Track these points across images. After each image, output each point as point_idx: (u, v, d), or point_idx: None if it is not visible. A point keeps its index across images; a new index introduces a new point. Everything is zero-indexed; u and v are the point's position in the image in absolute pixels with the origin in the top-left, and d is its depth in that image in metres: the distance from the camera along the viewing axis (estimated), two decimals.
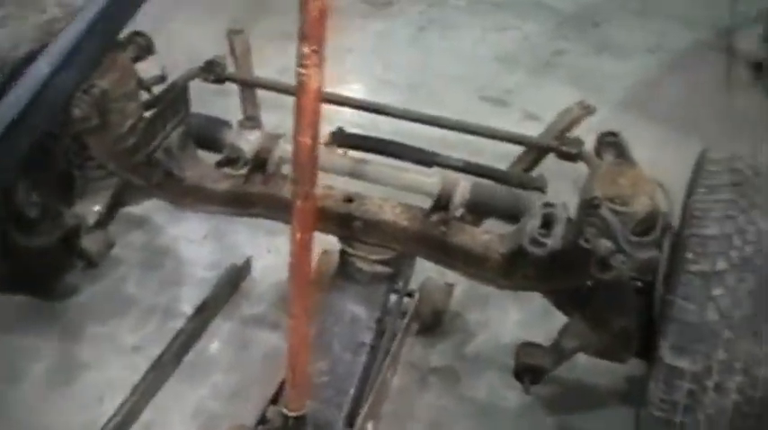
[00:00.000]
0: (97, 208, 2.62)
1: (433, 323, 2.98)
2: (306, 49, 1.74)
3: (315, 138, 1.85)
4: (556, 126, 2.72)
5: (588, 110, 2.72)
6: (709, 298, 1.99)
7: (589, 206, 2.16)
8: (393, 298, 2.73)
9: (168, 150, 2.57)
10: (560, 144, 2.65)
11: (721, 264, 2.01)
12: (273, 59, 3.37)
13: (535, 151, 2.72)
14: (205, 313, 2.95)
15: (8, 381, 2.71)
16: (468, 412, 2.75)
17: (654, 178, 2.30)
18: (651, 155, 3.84)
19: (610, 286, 2.18)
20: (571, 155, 2.63)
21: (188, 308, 2.99)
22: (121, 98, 2.48)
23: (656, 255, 2.18)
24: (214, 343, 2.90)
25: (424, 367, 2.88)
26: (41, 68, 2.28)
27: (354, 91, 4.08)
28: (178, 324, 2.92)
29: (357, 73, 4.39)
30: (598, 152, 2.45)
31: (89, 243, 2.57)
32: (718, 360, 1.99)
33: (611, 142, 2.44)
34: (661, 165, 3.76)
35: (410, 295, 2.92)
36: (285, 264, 3.10)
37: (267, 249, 3.20)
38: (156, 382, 2.73)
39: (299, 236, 1.95)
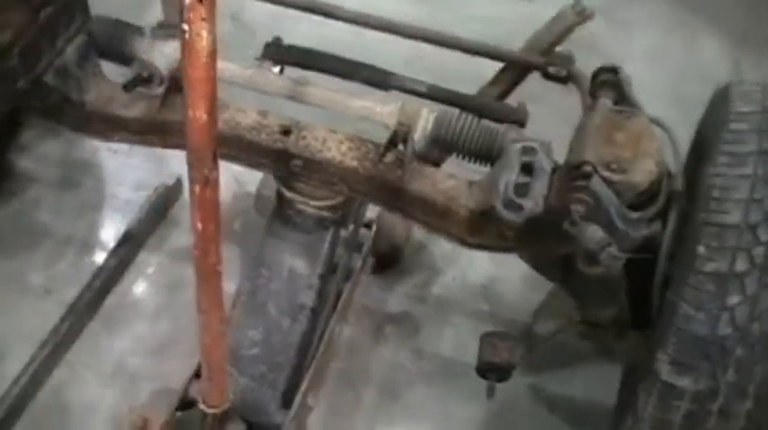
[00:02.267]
0: None
1: (393, 259, 2.58)
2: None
3: (212, 112, 1.38)
4: (543, 36, 2.21)
5: (585, 15, 2.20)
6: (723, 307, 1.58)
7: (577, 173, 1.71)
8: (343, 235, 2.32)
9: (62, 70, 2.08)
10: (547, 62, 2.16)
11: (741, 265, 1.58)
12: None
13: (515, 69, 2.22)
14: (129, 246, 2.54)
15: None
16: (427, 372, 2.39)
17: (659, 121, 1.84)
18: (651, 43, 3.37)
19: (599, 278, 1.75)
20: (560, 76, 2.15)
21: (109, 238, 2.58)
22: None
23: (658, 230, 1.75)
24: (139, 283, 2.51)
25: (380, 314, 2.50)
26: None
27: None
28: (98, 259, 2.52)
29: None
30: (592, 93, 1.96)
31: None
32: (726, 382, 1.60)
33: (608, 81, 1.94)
34: (663, 57, 3.33)
35: (367, 226, 2.50)
36: (226, 181, 2.71)
37: None
38: (70, 334, 2.36)
39: (200, 227, 1.51)
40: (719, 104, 1.86)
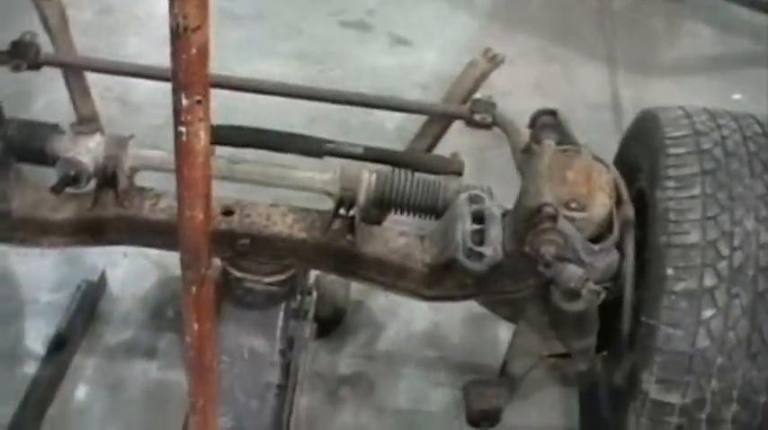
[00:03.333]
0: None
1: (335, 321, 2.57)
2: (185, 101, 1.23)
3: (207, 212, 1.36)
4: (460, 86, 2.28)
5: (496, 60, 2.28)
6: (698, 322, 1.67)
7: (540, 216, 1.76)
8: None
9: None
10: (471, 110, 2.22)
11: (709, 280, 1.68)
12: None
13: (440, 121, 2.28)
14: (62, 351, 2.41)
15: None
16: (391, 426, 2.39)
17: (600, 158, 1.93)
18: (537, 75, 3.54)
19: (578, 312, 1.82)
20: (485, 122, 2.21)
21: (38, 346, 2.44)
22: None
23: (616, 258, 1.84)
24: (80, 388, 2.39)
25: (333, 377, 2.48)
26: None
27: None
28: (29, 370, 2.38)
29: None
30: (535, 137, 2.03)
31: None
32: (711, 391, 1.69)
33: (549, 123, 2.02)
34: (550, 87, 3.49)
35: (304, 292, 2.48)
36: (148, 269, 2.63)
37: (123, 253, 2.65)
38: None
39: (196, 327, 1.48)
40: (649, 130, 1.97)
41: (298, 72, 3.17)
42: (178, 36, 1.18)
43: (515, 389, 2.02)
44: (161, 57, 3.24)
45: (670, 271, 1.70)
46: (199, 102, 1.23)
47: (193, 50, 1.19)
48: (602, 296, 1.73)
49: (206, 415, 1.62)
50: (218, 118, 2.20)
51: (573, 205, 1.78)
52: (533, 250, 1.76)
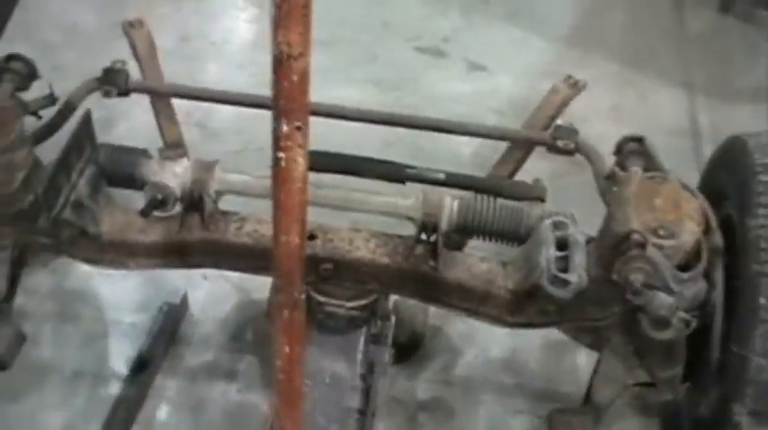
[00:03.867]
0: None
1: (413, 346, 2.57)
2: (285, 127, 1.25)
3: (302, 236, 1.37)
4: (542, 112, 2.28)
5: (578, 87, 2.28)
6: None
7: (628, 243, 1.75)
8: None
9: (78, 204, 2.03)
10: (553, 136, 2.21)
11: None
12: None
13: (522, 148, 2.27)
14: (144, 371, 2.45)
15: None
16: None
17: (688, 187, 1.91)
18: (613, 100, 3.51)
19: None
20: (568, 149, 2.20)
21: (121, 366, 2.48)
22: (5, 150, 1.93)
23: (704, 287, 1.81)
24: (161, 408, 2.42)
25: (411, 403, 2.47)
26: None
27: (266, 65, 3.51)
28: (113, 390, 2.42)
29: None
30: (621, 164, 2.02)
31: None
32: None
33: (635, 150, 2.01)
34: (627, 113, 3.45)
35: (383, 317, 2.49)
36: (228, 291, 2.66)
37: (203, 275, 2.69)
38: None
39: (287, 350, 1.49)
40: (737, 156, 1.94)
41: (374, 98, 3.18)
42: (281, 63, 1.20)
43: (601, 418, 1.99)
44: (238, 82, 3.33)
45: (763, 300, 1.67)
46: (298, 128, 1.25)
47: (295, 77, 1.21)
48: (693, 325, 1.71)
49: None
50: None
51: (661, 232, 1.76)
52: (621, 277, 1.75)
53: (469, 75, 3.53)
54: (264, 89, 2.26)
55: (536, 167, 2.37)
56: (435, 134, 2.46)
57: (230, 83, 2.83)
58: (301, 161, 1.28)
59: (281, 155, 1.27)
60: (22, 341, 2.08)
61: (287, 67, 1.20)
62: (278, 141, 1.26)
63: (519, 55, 3.66)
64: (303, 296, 1.45)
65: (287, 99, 1.22)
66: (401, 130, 2.85)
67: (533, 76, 3.42)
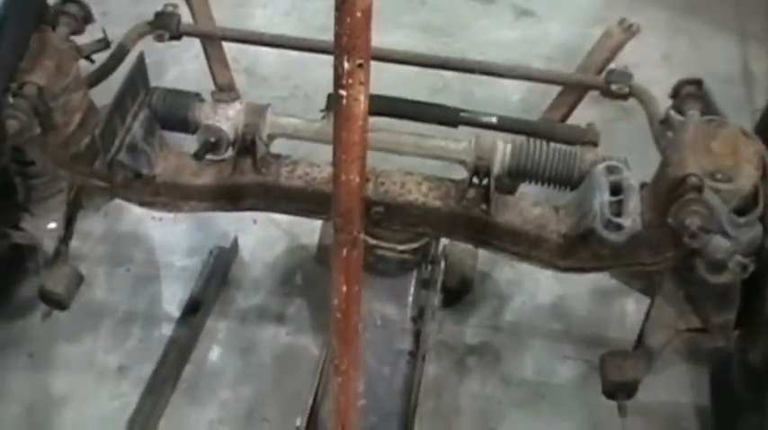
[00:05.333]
0: (52, 225, 2.10)
1: (462, 291, 2.58)
2: (347, 65, 1.24)
3: (362, 174, 1.37)
4: (595, 56, 2.24)
5: (632, 30, 2.23)
6: None
7: (685, 187, 1.73)
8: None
9: (132, 147, 2.04)
10: (607, 80, 2.18)
11: None
12: None
13: (574, 91, 2.25)
14: (195, 314, 2.49)
15: None
16: (517, 399, 2.39)
17: (747, 132, 1.88)
18: (664, 48, 3.45)
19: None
20: (622, 93, 2.17)
21: (173, 309, 2.53)
22: (63, 91, 1.95)
23: (760, 232, 1.79)
24: (213, 350, 2.46)
25: (460, 347, 2.49)
26: None
27: (312, 11, 3.49)
28: (165, 332, 2.47)
29: None
30: (678, 108, 1.99)
31: (53, 282, 2.05)
32: None
33: (693, 94, 1.98)
34: (678, 60, 3.39)
35: (433, 262, 2.50)
36: (278, 236, 2.68)
37: (253, 220, 2.71)
38: (155, 411, 2.30)
39: (344, 289, 1.50)
40: None
41: (422, 44, 3.16)
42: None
43: (653, 363, 1.99)
44: (286, 27, 3.31)
45: None
46: (360, 65, 1.25)
47: (358, 14, 1.20)
48: (750, 269, 1.69)
49: (348, 377, 1.65)
50: None
51: (718, 176, 1.74)
52: (677, 221, 1.73)
53: (518, 21, 3.49)
54: (312, 35, 2.29)
55: (584, 113, 2.35)
56: (483, 80, 2.44)
57: (277, 29, 2.83)
58: (363, 99, 1.28)
59: (343, 92, 1.27)
60: (79, 281, 2.12)
61: (351, 3, 1.19)
62: (339, 79, 1.26)
63: (568, 1, 3.61)
64: (361, 235, 1.46)
65: (350, 36, 1.22)
66: (448, 76, 2.84)
67: (583, 22, 3.38)
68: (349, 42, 1.23)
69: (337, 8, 1.20)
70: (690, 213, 1.71)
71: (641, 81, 2.21)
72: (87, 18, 2.08)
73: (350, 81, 1.25)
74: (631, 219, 1.85)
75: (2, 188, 2.14)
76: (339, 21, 1.21)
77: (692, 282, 1.82)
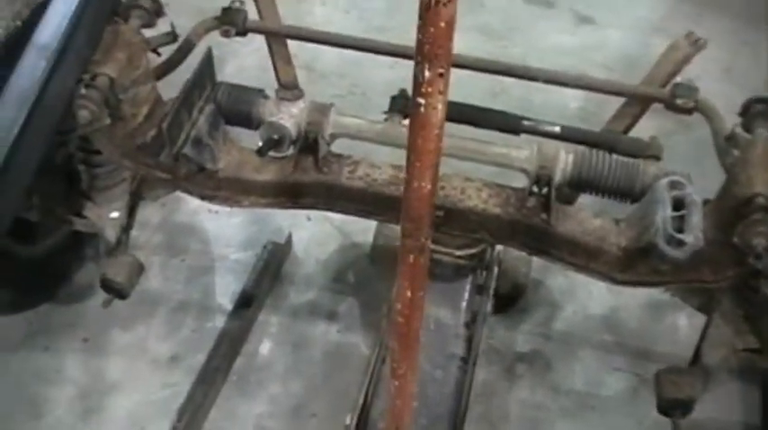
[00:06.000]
0: (114, 214, 2.13)
1: (515, 298, 2.58)
2: (428, 73, 1.25)
3: (434, 182, 1.38)
4: (661, 68, 2.22)
5: (699, 45, 2.22)
6: None
7: (752, 206, 1.71)
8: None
9: (197, 141, 2.06)
10: (672, 94, 2.16)
11: None
12: None
13: (638, 103, 2.23)
14: (248, 307, 2.52)
15: (29, 417, 2.30)
16: (566, 408, 2.39)
17: None
18: (727, 59, 3.41)
19: None
20: (686, 107, 2.15)
21: (226, 301, 2.56)
22: (132, 84, 1.97)
23: None
24: (264, 344, 2.49)
25: (510, 354, 2.49)
26: (34, 66, 1.78)
27: (372, 10, 3.49)
28: (218, 323, 2.49)
29: None
30: (746, 126, 1.97)
31: (114, 271, 2.09)
32: None
33: (762, 113, 1.95)
34: (741, 73, 3.35)
35: (487, 268, 2.49)
36: (331, 233, 2.70)
37: (307, 216, 2.73)
38: (206, 401, 2.33)
39: (408, 295, 1.51)
40: None
41: (480, 47, 3.14)
42: (428, 9, 1.19)
43: (709, 380, 1.98)
44: (345, 25, 3.33)
45: None
46: (441, 74, 1.25)
47: (442, 24, 1.20)
48: None
49: (406, 381, 1.66)
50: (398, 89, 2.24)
51: None
52: (743, 241, 1.72)
53: (578, 27, 3.48)
54: (370, 35, 2.29)
55: (643, 125, 2.34)
56: (541, 86, 2.42)
57: (336, 27, 2.85)
58: (441, 108, 1.29)
59: (421, 101, 1.27)
60: (140, 271, 2.15)
61: (435, 12, 1.19)
62: (419, 87, 1.26)
63: (629, 8, 3.58)
64: (429, 242, 1.46)
65: (432, 45, 1.22)
66: (507, 80, 2.82)
67: (643, 30, 3.36)
68: (431, 51, 1.23)
69: (421, 17, 1.21)
70: (757, 234, 1.70)
71: (702, 94, 2.20)
72: (159, 11, 2.11)
73: (429, 89, 1.26)
74: (694, 235, 1.83)
75: (66, 175, 2.19)
76: (422, 30, 1.21)
77: (752, 301, 1.80)
